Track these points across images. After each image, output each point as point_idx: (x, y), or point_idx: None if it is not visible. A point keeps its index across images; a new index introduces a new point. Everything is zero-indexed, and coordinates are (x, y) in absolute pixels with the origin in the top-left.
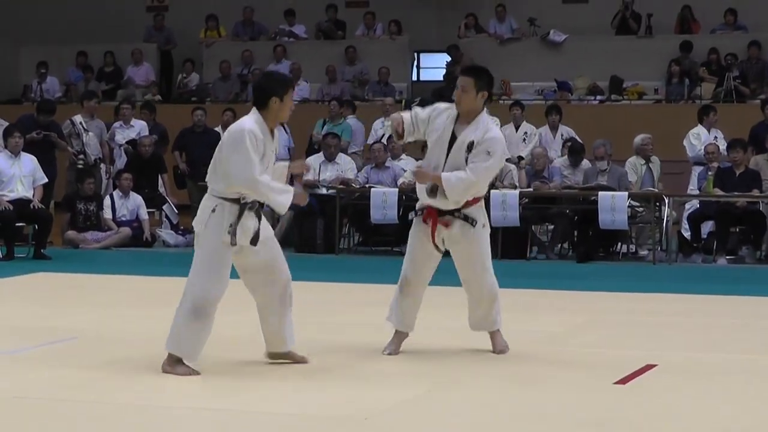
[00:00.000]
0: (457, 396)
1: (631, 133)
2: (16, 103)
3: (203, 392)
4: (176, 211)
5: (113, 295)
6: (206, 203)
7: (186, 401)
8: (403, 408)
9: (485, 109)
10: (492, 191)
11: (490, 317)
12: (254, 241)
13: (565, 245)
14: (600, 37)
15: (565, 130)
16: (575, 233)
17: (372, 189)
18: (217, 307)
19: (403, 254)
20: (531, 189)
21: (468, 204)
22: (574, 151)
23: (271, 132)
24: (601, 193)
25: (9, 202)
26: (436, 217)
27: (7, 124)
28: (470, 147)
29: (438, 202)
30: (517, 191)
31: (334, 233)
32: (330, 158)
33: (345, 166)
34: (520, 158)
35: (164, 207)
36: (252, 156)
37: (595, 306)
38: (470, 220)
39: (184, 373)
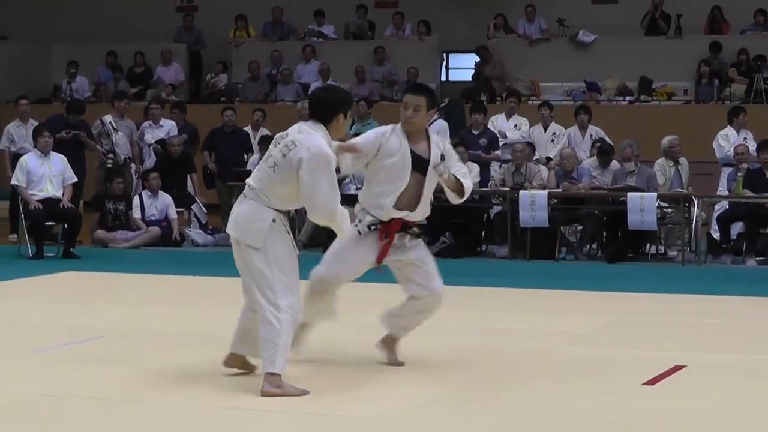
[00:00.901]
0: (483, 396)
1: (660, 134)
2: (47, 102)
3: (228, 391)
4: (205, 210)
5: (142, 294)
6: (261, 215)
7: (212, 400)
8: (430, 408)
9: None
10: (521, 191)
11: (413, 325)
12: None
13: (594, 246)
14: (629, 38)
15: (594, 131)
16: (604, 234)
17: None
18: None
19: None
20: (560, 189)
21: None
22: (603, 152)
23: None
24: (630, 194)
25: (39, 201)
26: (396, 232)
27: (37, 123)
28: (442, 160)
29: (414, 215)
30: (545, 192)
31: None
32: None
33: None
34: (549, 159)
35: (193, 206)
36: (336, 185)
37: (624, 307)
38: (418, 234)
39: (297, 392)
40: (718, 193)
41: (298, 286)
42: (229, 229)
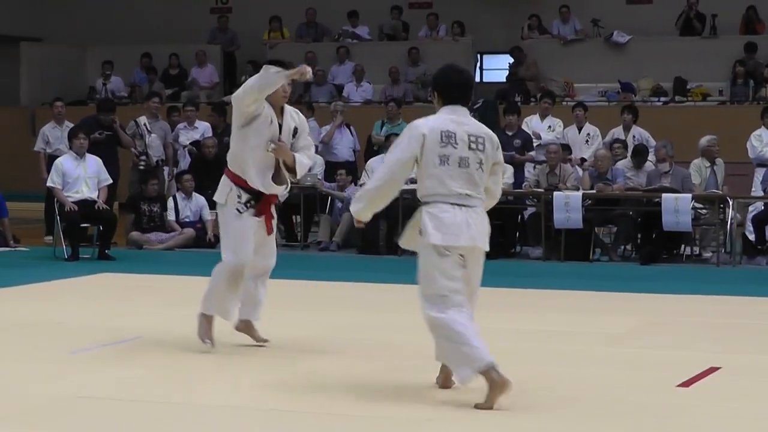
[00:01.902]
0: (518, 398)
1: (695, 134)
2: (82, 104)
3: (264, 392)
4: None
5: (177, 296)
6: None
7: (248, 401)
8: (463, 410)
9: None
10: (555, 193)
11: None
12: None
13: (629, 247)
14: (664, 38)
15: (637, 132)
16: (638, 235)
17: None
18: None
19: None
20: (594, 191)
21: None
22: (638, 153)
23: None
24: (664, 195)
25: (74, 203)
26: (270, 208)
27: (72, 125)
28: (295, 133)
29: (279, 189)
30: (580, 193)
31: (396, 235)
32: None
33: None
34: (583, 160)
35: None
36: None
37: (659, 308)
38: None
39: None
40: (752, 193)
41: None
42: (469, 240)
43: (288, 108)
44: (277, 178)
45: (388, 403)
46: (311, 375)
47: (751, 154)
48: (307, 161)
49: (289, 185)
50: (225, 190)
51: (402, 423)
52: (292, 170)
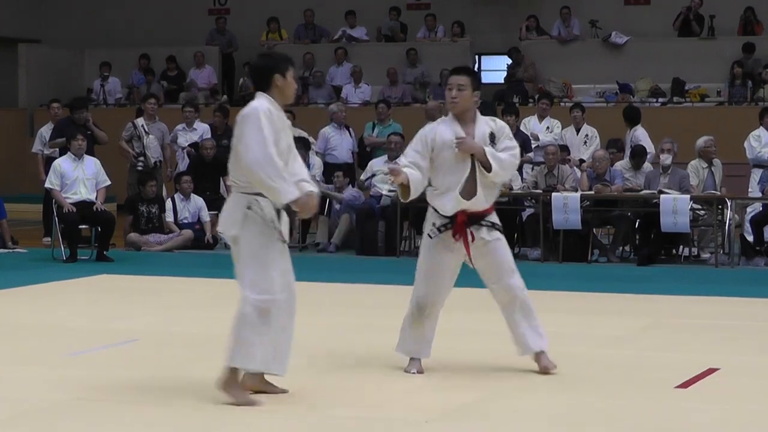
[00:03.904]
0: (516, 400)
1: (693, 135)
2: None
3: (261, 394)
4: None
5: (175, 298)
6: (237, 202)
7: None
8: (462, 412)
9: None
10: (553, 194)
11: (538, 331)
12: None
13: (627, 248)
14: (662, 39)
15: (635, 135)
16: (636, 236)
17: None
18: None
19: None
20: (592, 192)
21: (488, 211)
22: (636, 154)
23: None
24: (663, 196)
25: (72, 204)
26: (464, 228)
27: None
28: (492, 138)
29: (474, 203)
30: (578, 194)
31: (395, 235)
32: (394, 158)
33: None
34: (582, 161)
35: None
36: (266, 143)
37: (657, 309)
38: (496, 226)
39: (244, 401)
40: (749, 194)
41: (279, 276)
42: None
43: (481, 117)
44: (466, 190)
45: (387, 405)
46: (308, 377)
47: (749, 154)
48: (509, 158)
49: (482, 195)
50: (426, 217)
51: (400, 424)
52: (487, 167)
